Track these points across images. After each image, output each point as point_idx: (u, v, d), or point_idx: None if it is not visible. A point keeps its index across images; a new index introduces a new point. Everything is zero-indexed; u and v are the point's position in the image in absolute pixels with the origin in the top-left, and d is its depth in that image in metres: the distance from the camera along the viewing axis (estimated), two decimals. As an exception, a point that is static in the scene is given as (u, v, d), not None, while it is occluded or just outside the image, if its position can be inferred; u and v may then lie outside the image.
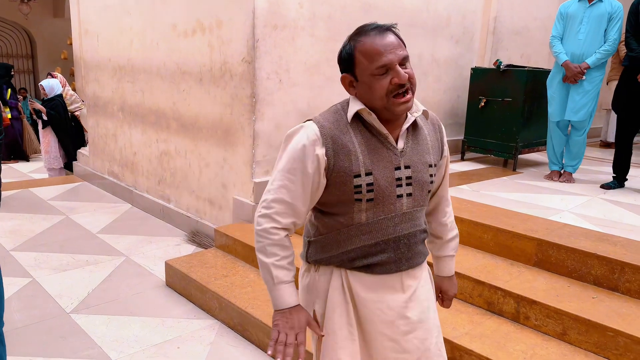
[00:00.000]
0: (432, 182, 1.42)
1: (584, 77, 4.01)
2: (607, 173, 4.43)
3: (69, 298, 3.24)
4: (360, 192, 1.31)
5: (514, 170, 4.68)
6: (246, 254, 3.45)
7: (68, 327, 2.91)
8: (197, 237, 4.28)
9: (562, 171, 4.36)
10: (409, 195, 1.36)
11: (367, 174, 1.30)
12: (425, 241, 1.51)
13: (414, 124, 1.40)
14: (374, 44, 1.26)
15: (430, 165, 1.40)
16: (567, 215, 3.29)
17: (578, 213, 3.37)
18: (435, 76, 5.02)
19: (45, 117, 6.62)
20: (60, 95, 6.68)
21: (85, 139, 6.62)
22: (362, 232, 1.35)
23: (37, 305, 3.15)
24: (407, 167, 1.35)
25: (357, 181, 1.30)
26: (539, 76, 4.61)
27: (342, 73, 1.35)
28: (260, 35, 3.59)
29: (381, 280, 1.39)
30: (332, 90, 4.08)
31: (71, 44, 11.56)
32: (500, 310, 2.55)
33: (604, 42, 3.99)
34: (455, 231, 1.64)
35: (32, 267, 3.69)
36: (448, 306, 1.70)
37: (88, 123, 6.16)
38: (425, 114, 1.42)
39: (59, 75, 6.93)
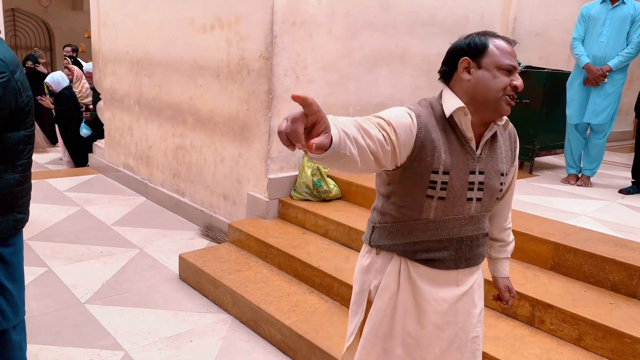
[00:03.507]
0: (501, 190, 1.47)
1: (606, 80, 3.95)
2: (625, 178, 4.36)
3: (83, 288, 3.27)
4: (434, 188, 1.34)
5: (531, 172, 4.63)
6: (259, 250, 3.46)
7: (82, 317, 2.94)
8: (211, 231, 4.30)
9: (579, 175, 4.31)
10: (479, 200, 1.41)
11: (444, 173, 1.34)
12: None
13: (494, 133, 1.44)
14: (507, 47, 1.36)
15: (502, 174, 1.46)
16: (584, 220, 3.25)
17: (596, 217, 3.32)
18: (452, 76, 4.97)
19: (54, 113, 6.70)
20: (69, 88, 6.70)
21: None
22: (428, 228, 1.40)
23: (53, 294, 3.19)
24: (481, 172, 1.40)
25: (433, 177, 1.33)
26: (558, 78, 4.55)
27: (458, 56, 1.37)
28: (278, 31, 3.58)
29: (438, 275, 1.43)
30: (347, 88, 4.07)
31: (89, 37, 11.66)
32: (514, 313, 2.52)
33: (627, 45, 3.93)
34: (512, 236, 1.70)
35: (48, 256, 3.73)
36: (511, 304, 1.73)
37: (104, 116, 6.21)
38: (505, 124, 1.47)
39: (76, 68, 6.97)
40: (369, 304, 1.52)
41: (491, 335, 2.35)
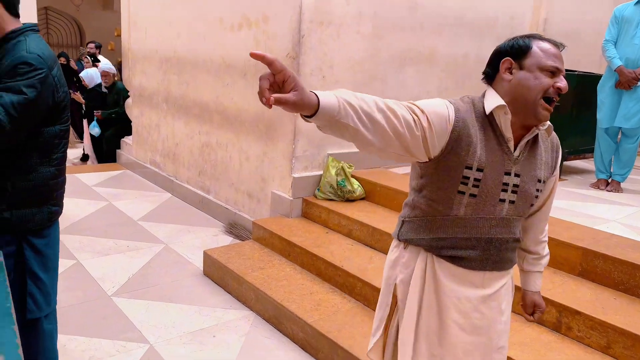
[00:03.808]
0: (537, 197, 1.45)
1: (639, 83, 3.86)
2: (657, 184, 4.25)
3: (110, 281, 3.34)
4: (466, 184, 1.34)
5: (559, 177, 4.54)
6: (283, 248, 3.48)
7: (109, 310, 3.00)
8: (235, 228, 4.34)
9: (609, 180, 4.22)
10: (512, 202, 1.39)
11: (478, 170, 1.33)
12: (517, 255, 1.55)
13: (535, 137, 1.43)
14: (552, 49, 1.35)
15: (539, 181, 1.43)
16: (614, 226, 3.18)
17: (626, 224, 3.24)
18: (480, 78, 4.91)
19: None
20: (100, 85, 6.86)
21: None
22: (457, 225, 1.39)
23: (81, 286, 3.26)
24: (517, 175, 1.38)
25: (466, 172, 1.32)
26: (588, 81, 4.46)
27: (501, 58, 1.38)
28: (305, 31, 3.60)
29: (463, 274, 1.42)
30: (374, 88, 4.06)
31: (118, 35, 11.87)
32: (541, 319, 2.48)
33: (662, 48, 3.83)
34: (547, 249, 1.66)
35: (76, 249, 3.82)
36: (537, 318, 1.69)
37: (133, 113, 6.32)
38: (548, 130, 1.45)
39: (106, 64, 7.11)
40: (394, 298, 1.52)
41: (516, 340, 2.32)
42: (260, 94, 1.03)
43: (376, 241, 3.30)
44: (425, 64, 4.43)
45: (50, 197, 1.87)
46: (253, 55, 1.01)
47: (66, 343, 2.60)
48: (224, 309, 3.09)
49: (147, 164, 5.98)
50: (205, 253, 3.52)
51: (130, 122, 6.44)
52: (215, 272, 3.41)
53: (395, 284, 1.52)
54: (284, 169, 3.90)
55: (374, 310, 2.75)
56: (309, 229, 3.63)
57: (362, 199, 3.85)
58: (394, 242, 1.57)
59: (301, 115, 1.14)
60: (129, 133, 6.61)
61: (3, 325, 1.11)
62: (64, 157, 1.91)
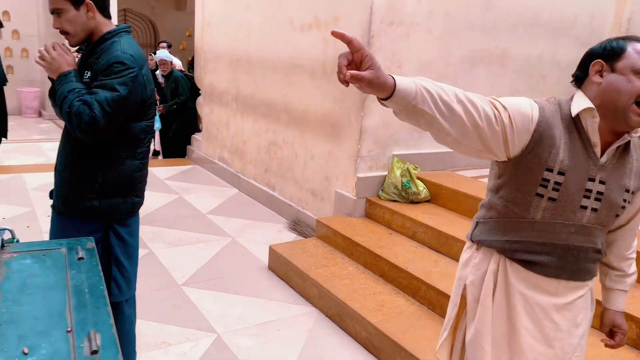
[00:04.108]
0: (623, 207, 1.37)
1: None
2: None
3: (180, 271, 3.50)
4: (546, 187, 1.30)
5: None
6: (346, 247, 3.50)
7: (179, 298, 3.14)
8: (298, 225, 4.41)
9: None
10: (594, 210, 1.33)
11: (559, 173, 1.29)
12: (599, 269, 1.48)
13: (626, 145, 1.36)
14: None
15: (628, 191, 1.36)
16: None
17: None
18: (555, 78, 4.72)
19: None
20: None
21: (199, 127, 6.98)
22: (533, 229, 1.35)
23: (153, 275, 3.43)
24: (601, 182, 1.32)
25: (546, 175, 1.29)
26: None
27: (593, 60, 1.32)
28: (375, 31, 3.60)
29: (537, 279, 1.38)
30: (443, 89, 3.99)
31: (190, 35, 12.29)
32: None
33: None
34: (635, 268, 1.54)
35: (150, 239, 4.02)
36: (622, 342, 1.56)
37: (203, 110, 6.56)
38: None
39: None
40: (463, 299, 1.50)
41: (592, 355, 2.21)
42: (338, 71, 1.06)
43: (441, 245, 3.25)
44: (497, 64, 4.31)
45: (134, 189, 1.99)
46: (334, 33, 1.04)
47: (141, 328, 2.74)
48: (288, 303, 3.15)
49: (215, 160, 6.19)
50: (270, 248, 3.60)
51: (193, 115, 6.62)
52: (280, 267, 3.48)
53: (465, 285, 1.50)
54: (348, 169, 3.92)
55: (439, 314, 2.74)
56: (372, 229, 3.63)
57: (427, 201, 3.80)
58: (467, 243, 1.56)
59: (378, 98, 1.16)
60: (195, 128, 6.85)
61: (98, 305, 1.20)
62: (147, 152, 2.03)
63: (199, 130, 6.88)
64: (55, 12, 1.81)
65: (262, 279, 3.48)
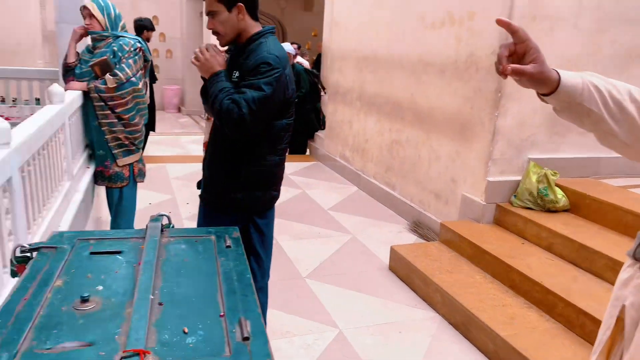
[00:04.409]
0: None
1: None
2: None
3: (304, 264, 3.60)
4: None
5: None
6: (472, 254, 3.35)
7: (303, 290, 3.24)
8: (419, 227, 4.32)
9: None
10: None
11: None
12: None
13: None
14: None
15: None
16: None
17: None
18: None
19: None
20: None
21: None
22: None
23: (279, 265, 3.56)
24: None
25: None
26: None
27: None
28: (515, 26, 3.38)
29: None
30: (590, 88, 3.64)
31: (315, 35, 12.62)
32: None
33: None
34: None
35: (276, 231, 4.13)
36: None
37: (327, 110, 6.70)
38: None
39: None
40: (620, 321, 1.34)
41: None
42: (497, 62, 1.00)
43: (582, 260, 2.97)
44: (657, 61, 3.83)
45: (273, 183, 2.08)
46: (499, 21, 0.99)
47: (269, 316, 2.88)
48: (410, 306, 3.10)
49: (337, 158, 6.29)
50: (392, 249, 3.57)
51: (314, 114, 6.76)
52: (401, 268, 3.43)
53: (624, 306, 1.34)
54: (477, 171, 3.74)
55: (578, 335, 2.51)
56: (502, 237, 3.43)
57: (566, 210, 3.50)
58: (628, 261, 1.38)
59: (538, 94, 1.08)
60: (315, 127, 7.00)
61: (246, 293, 1.25)
62: (286, 148, 2.10)
63: (319, 129, 7.05)
64: (211, 14, 1.95)
65: (383, 278, 3.46)
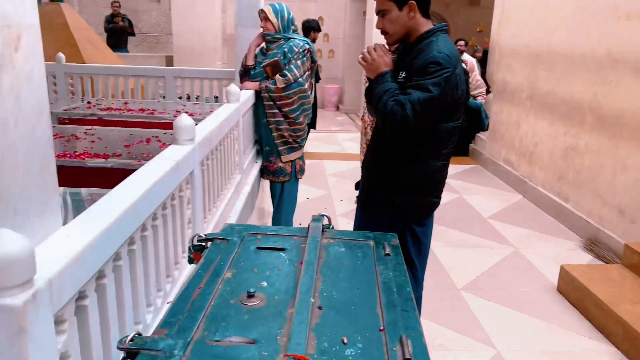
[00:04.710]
0: None
1: None
2: None
3: (459, 274, 3.41)
4: None
5: None
6: (666, 284, 2.84)
7: (457, 303, 3.06)
8: (596, 246, 3.81)
9: None
10: None
11: None
12: None
13: None
14: None
15: None
16: None
17: None
18: None
19: None
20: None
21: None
22: None
23: (433, 274, 3.41)
24: None
25: None
26: None
27: None
28: None
29: None
30: None
31: (480, 30, 12.02)
32: None
33: None
34: None
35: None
36: None
37: (491, 109, 6.28)
38: None
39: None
40: None
41: None
42: None
43: None
44: None
45: (433, 189, 1.98)
46: None
47: (419, 324, 2.78)
48: (581, 336, 2.74)
49: (499, 162, 5.87)
50: (562, 268, 3.19)
51: (475, 113, 6.40)
52: (573, 291, 3.05)
53: None
54: (678, 187, 3.16)
55: None
56: None
57: None
58: None
59: None
60: (477, 127, 6.60)
61: (407, 308, 1.18)
62: (450, 153, 1.98)
63: (482, 129, 6.64)
64: (381, 12, 1.90)
65: (549, 300, 3.11)
